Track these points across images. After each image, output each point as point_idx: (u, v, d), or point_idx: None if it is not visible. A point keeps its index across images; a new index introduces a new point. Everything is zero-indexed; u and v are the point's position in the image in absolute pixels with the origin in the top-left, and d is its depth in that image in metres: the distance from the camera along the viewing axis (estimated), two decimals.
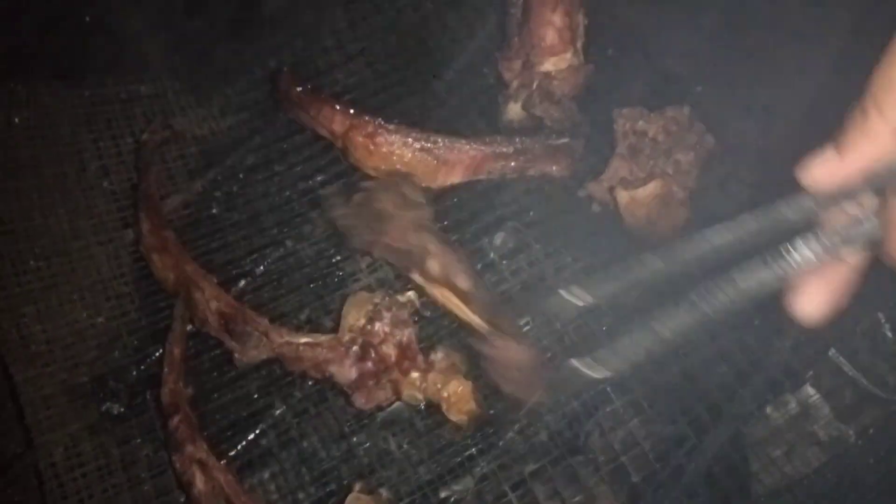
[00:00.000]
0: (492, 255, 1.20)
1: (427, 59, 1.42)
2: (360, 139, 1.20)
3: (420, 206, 1.10)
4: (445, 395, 0.99)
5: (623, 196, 1.14)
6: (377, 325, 1.04)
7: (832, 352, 1.11)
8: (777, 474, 1.03)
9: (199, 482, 0.99)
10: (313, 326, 1.16)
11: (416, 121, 1.34)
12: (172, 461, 1.02)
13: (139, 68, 1.37)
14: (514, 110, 1.29)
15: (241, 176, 1.32)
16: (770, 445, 1.05)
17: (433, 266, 1.04)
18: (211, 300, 1.10)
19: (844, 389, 1.10)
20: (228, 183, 1.31)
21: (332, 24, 1.47)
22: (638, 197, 1.13)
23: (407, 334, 1.03)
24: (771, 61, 1.37)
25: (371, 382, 1.03)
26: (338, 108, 1.21)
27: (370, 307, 1.07)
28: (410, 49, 1.44)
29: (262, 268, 1.22)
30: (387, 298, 1.06)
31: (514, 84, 1.28)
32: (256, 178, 1.31)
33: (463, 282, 1.01)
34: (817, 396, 1.09)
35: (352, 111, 1.21)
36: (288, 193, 1.29)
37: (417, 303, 1.06)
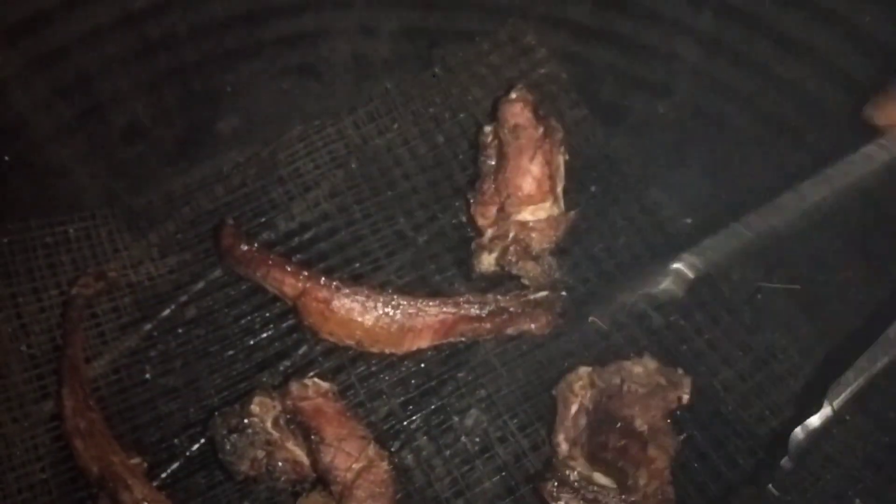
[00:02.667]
0: (463, 438, 1.11)
1: (393, 191, 1.35)
2: (315, 304, 1.12)
3: None
4: None
5: None
6: None
7: None
8: None
9: None
10: None
11: (380, 264, 1.27)
12: None
13: (68, 205, 1.28)
14: (487, 261, 1.22)
15: (179, 331, 1.23)
16: None
17: None
18: (140, 501, 1.00)
19: None
20: (165, 339, 1.22)
21: (289, 150, 1.39)
22: None
23: None
24: (759, 189, 1.33)
25: None
26: (288, 269, 1.13)
27: None
28: (374, 179, 1.37)
29: (197, 446, 1.13)
30: None
31: (489, 234, 1.22)
32: (197, 334, 1.22)
33: None
34: None
35: (304, 273, 1.13)
36: (232, 352, 1.20)
37: None
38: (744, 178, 1.31)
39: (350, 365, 1.17)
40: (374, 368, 1.17)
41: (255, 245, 1.17)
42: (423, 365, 1.18)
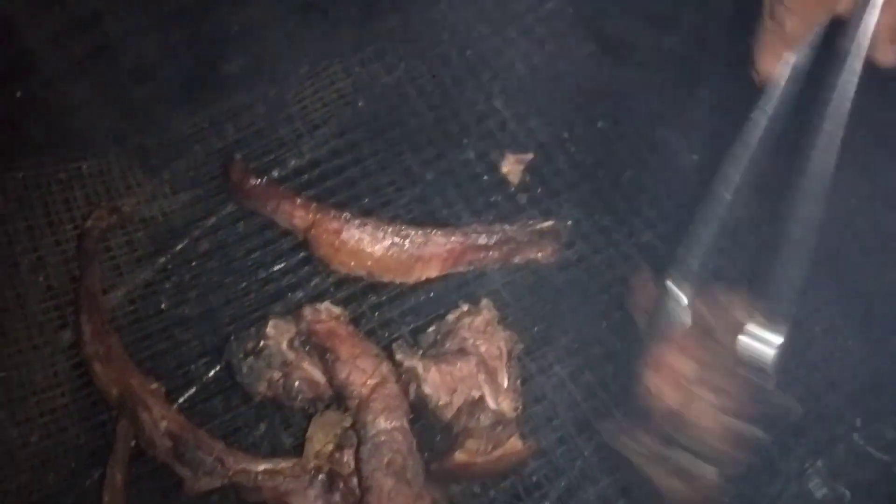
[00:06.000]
0: None
1: (400, 128, 1.38)
2: (325, 236, 1.15)
3: None
4: None
5: None
6: (347, 454, 0.99)
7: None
8: None
9: None
10: (272, 444, 1.11)
11: (389, 199, 1.30)
12: None
13: (81, 143, 1.31)
14: (510, 162, 1.26)
15: (193, 264, 1.26)
16: None
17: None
18: (159, 420, 1.04)
19: (837, 445, 1.09)
20: (179, 272, 1.25)
21: (297, 88, 1.42)
22: None
23: None
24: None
25: None
26: (298, 202, 1.16)
27: (339, 430, 1.02)
28: (381, 117, 1.39)
29: (214, 372, 1.17)
30: None
31: None
32: (211, 267, 1.26)
33: None
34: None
35: (314, 205, 1.16)
36: (245, 284, 1.24)
37: None
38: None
39: (361, 295, 1.21)
40: (384, 298, 1.21)
41: (265, 179, 1.20)
42: (432, 294, 1.21)
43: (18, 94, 1.23)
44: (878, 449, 1.10)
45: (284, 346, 1.04)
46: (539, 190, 1.30)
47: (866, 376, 1.13)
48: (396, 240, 1.15)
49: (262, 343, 1.04)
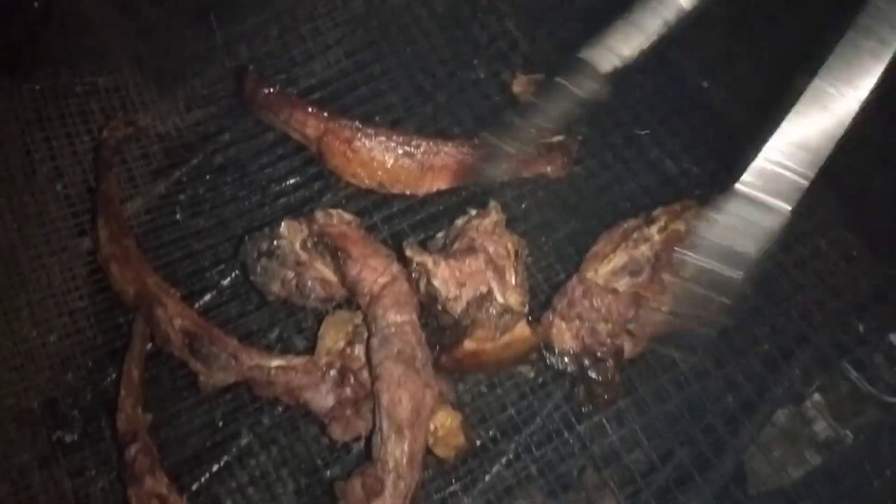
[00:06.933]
0: None
1: (412, 48, 1.38)
2: (337, 145, 1.16)
3: None
4: (432, 427, 0.96)
5: None
6: (357, 349, 1.01)
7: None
8: (775, 476, 1.04)
9: None
10: (285, 346, 1.13)
11: (400, 118, 1.31)
12: (129, 496, 0.99)
13: (97, 59, 1.32)
14: (521, 82, 1.26)
15: (207, 177, 1.28)
16: (768, 446, 1.06)
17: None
18: (174, 317, 1.06)
19: (841, 388, 1.11)
20: (194, 185, 1.27)
21: (310, 9, 1.42)
22: None
23: None
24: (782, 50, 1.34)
25: (349, 411, 1.00)
26: (311, 110, 1.17)
27: (350, 328, 1.04)
28: (393, 38, 1.40)
29: (229, 280, 1.19)
30: None
31: None
32: (224, 181, 1.27)
33: None
34: (816, 397, 1.11)
35: (326, 114, 1.17)
36: (258, 197, 1.25)
37: None
38: (764, 40, 1.32)
39: (373, 208, 1.22)
40: (395, 210, 1.22)
41: (277, 88, 1.20)
42: (441, 208, 1.22)
43: (36, 4, 1.23)
44: (882, 390, 1.11)
45: (297, 246, 1.05)
46: None
47: (870, 285, 1.13)
48: (407, 149, 1.16)
49: (275, 243, 1.05)
